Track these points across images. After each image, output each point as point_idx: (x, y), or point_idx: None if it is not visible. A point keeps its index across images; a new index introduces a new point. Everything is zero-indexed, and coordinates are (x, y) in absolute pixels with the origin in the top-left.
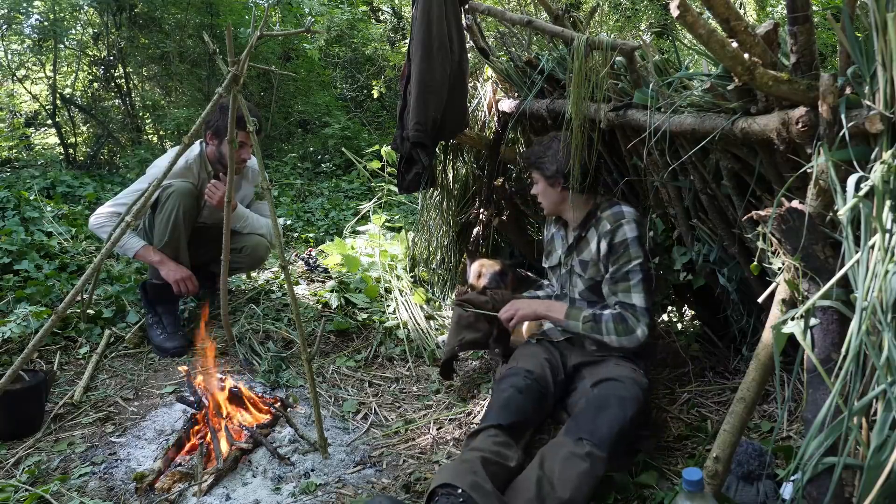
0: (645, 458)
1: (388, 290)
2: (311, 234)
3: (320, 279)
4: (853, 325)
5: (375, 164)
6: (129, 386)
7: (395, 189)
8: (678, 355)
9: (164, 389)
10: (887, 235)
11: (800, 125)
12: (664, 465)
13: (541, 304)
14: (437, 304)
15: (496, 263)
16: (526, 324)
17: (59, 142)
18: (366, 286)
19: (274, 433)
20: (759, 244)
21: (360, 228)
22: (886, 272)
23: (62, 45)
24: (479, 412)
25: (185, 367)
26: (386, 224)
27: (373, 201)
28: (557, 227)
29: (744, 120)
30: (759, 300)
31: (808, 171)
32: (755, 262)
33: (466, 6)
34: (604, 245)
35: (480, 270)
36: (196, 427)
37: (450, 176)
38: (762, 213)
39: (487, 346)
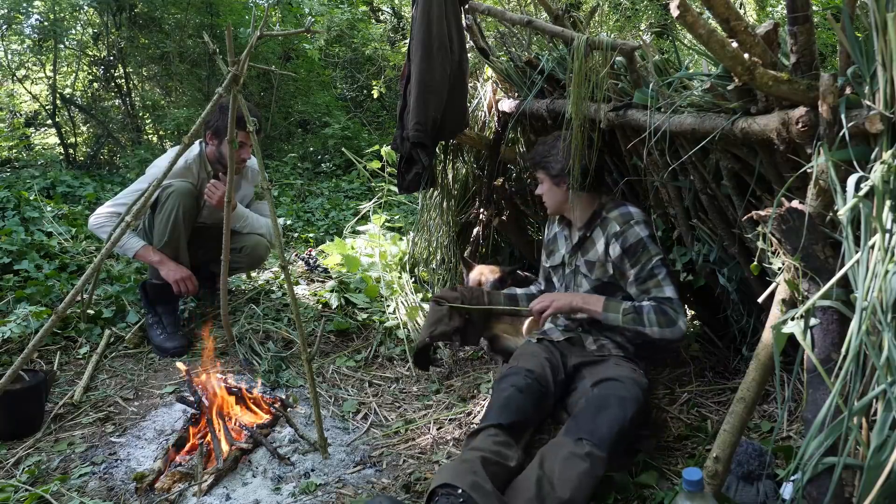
0: (645, 458)
1: (388, 290)
2: (311, 234)
3: (320, 279)
4: (853, 325)
5: (375, 164)
6: (129, 386)
7: (395, 189)
8: (678, 355)
9: (164, 389)
10: (887, 235)
11: (800, 125)
12: (664, 465)
13: (576, 297)
14: None
15: (495, 270)
16: (526, 322)
17: (59, 142)
18: (366, 286)
19: (274, 433)
20: (759, 244)
21: (360, 228)
22: (886, 272)
23: (62, 45)
24: (479, 412)
25: (185, 367)
26: (386, 224)
27: (373, 201)
28: (561, 227)
29: (744, 120)
30: (759, 300)
31: (808, 171)
32: (755, 262)
33: (466, 6)
34: (616, 248)
35: (480, 279)
36: (196, 427)
37: (450, 176)
38: (762, 213)
39: (457, 339)
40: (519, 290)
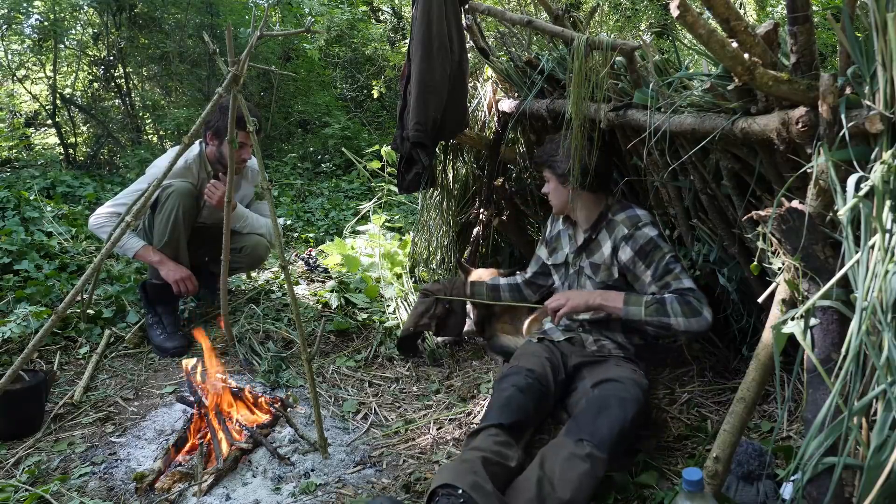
0: (645, 458)
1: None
2: (311, 234)
3: (320, 279)
4: (853, 325)
5: (375, 164)
6: (129, 386)
7: (395, 189)
8: (679, 355)
9: (164, 389)
10: (887, 235)
11: (800, 125)
12: (664, 465)
13: (593, 295)
14: None
15: (494, 274)
16: (526, 322)
17: (59, 142)
18: (366, 286)
19: (274, 433)
20: (759, 244)
21: (360, 228)
22: (886, 272)
23: (62, 45)
24: (479, 412)
25: (186, 365)
26: (386, 224)
27: (373, 201)
28: (566, 226)
29: (744, 120)
30: (759, 300)
31: (808, 171)
32: (755, 262)
33: (466, 6)
34: (627, 251)
35: None
36: (196, 427)
37: (450, 176)
38: (762, 213)
39: (439, 329)
40: (502, 280)
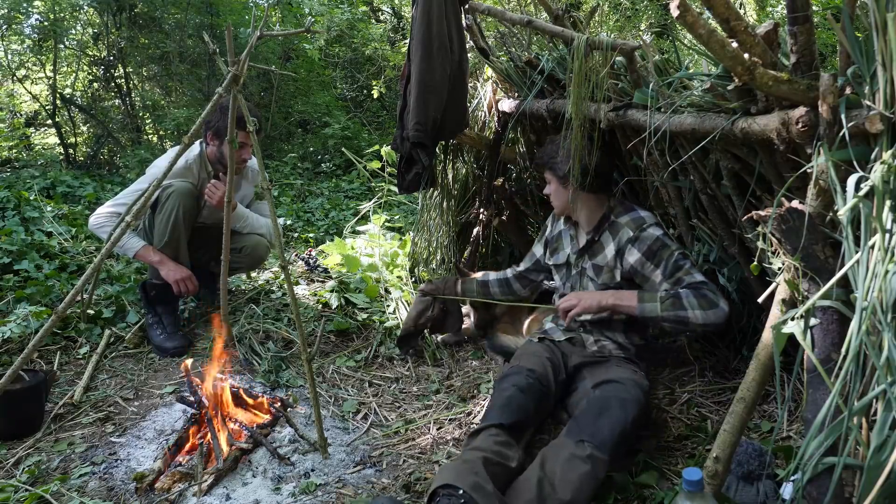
0: (645, 458)
1: (387, 290)
2: (311, 234)
3: (320, 279)
4: (853, 325)
5: (375, 164)
6: (129, 386)
7: (395, 189)
8: (679, 355)
9: (164, 389)
10: (887, 235)
11: (800, 125)
12: (664, 465)
13: (605, 295)
14: None
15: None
16: (526, 322)
17: (59, 142)
18: (366, 286)
19: (274, 433)
20: (759, 244)
21: (360, 228)
22: (886, 272)
23: (62, 45)
24: (479, 412)
25: (187, 364)
26: (386, 224)
27: (373, 201)
28: (567, 226)
29: (744, 120)
30: (759, 300)
31: (808, 171)
32: (755, 262)
33: (466, 6)
34: (634, 253)
35: None
36: (196, 427)
37: (450, 176)
38: (762, 213)
39: (436, 329)
40: (492, 276)
